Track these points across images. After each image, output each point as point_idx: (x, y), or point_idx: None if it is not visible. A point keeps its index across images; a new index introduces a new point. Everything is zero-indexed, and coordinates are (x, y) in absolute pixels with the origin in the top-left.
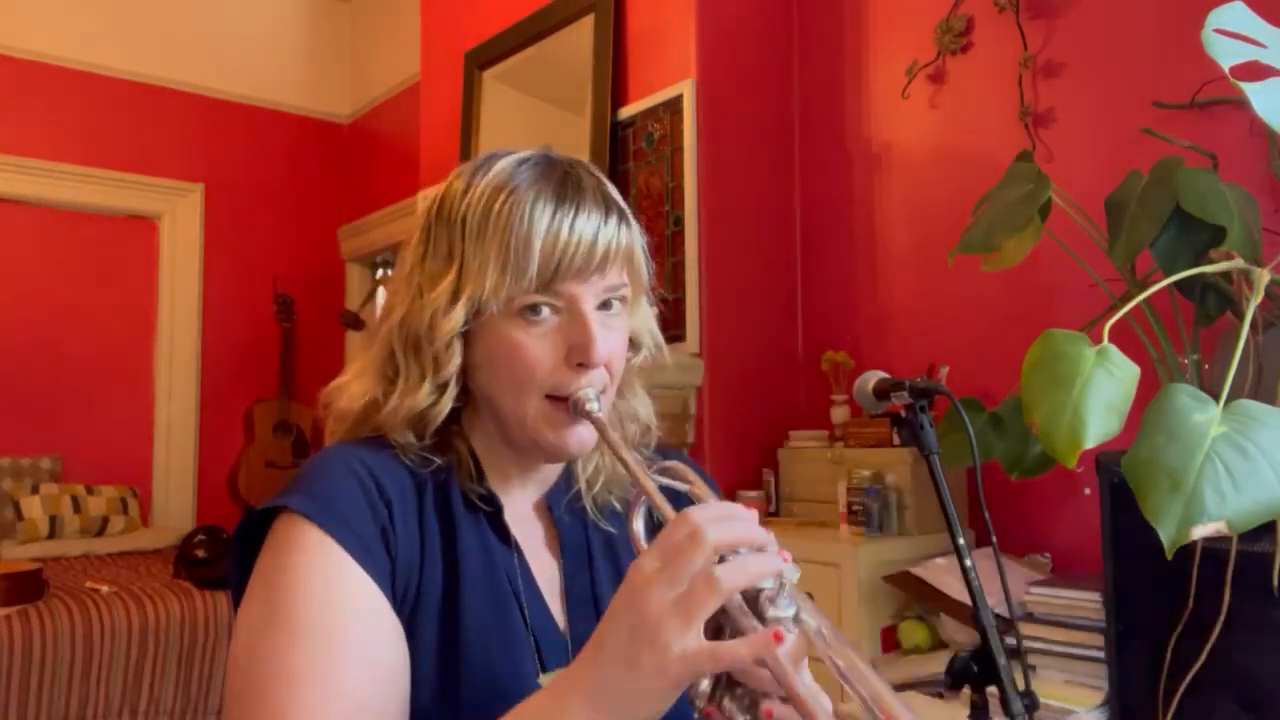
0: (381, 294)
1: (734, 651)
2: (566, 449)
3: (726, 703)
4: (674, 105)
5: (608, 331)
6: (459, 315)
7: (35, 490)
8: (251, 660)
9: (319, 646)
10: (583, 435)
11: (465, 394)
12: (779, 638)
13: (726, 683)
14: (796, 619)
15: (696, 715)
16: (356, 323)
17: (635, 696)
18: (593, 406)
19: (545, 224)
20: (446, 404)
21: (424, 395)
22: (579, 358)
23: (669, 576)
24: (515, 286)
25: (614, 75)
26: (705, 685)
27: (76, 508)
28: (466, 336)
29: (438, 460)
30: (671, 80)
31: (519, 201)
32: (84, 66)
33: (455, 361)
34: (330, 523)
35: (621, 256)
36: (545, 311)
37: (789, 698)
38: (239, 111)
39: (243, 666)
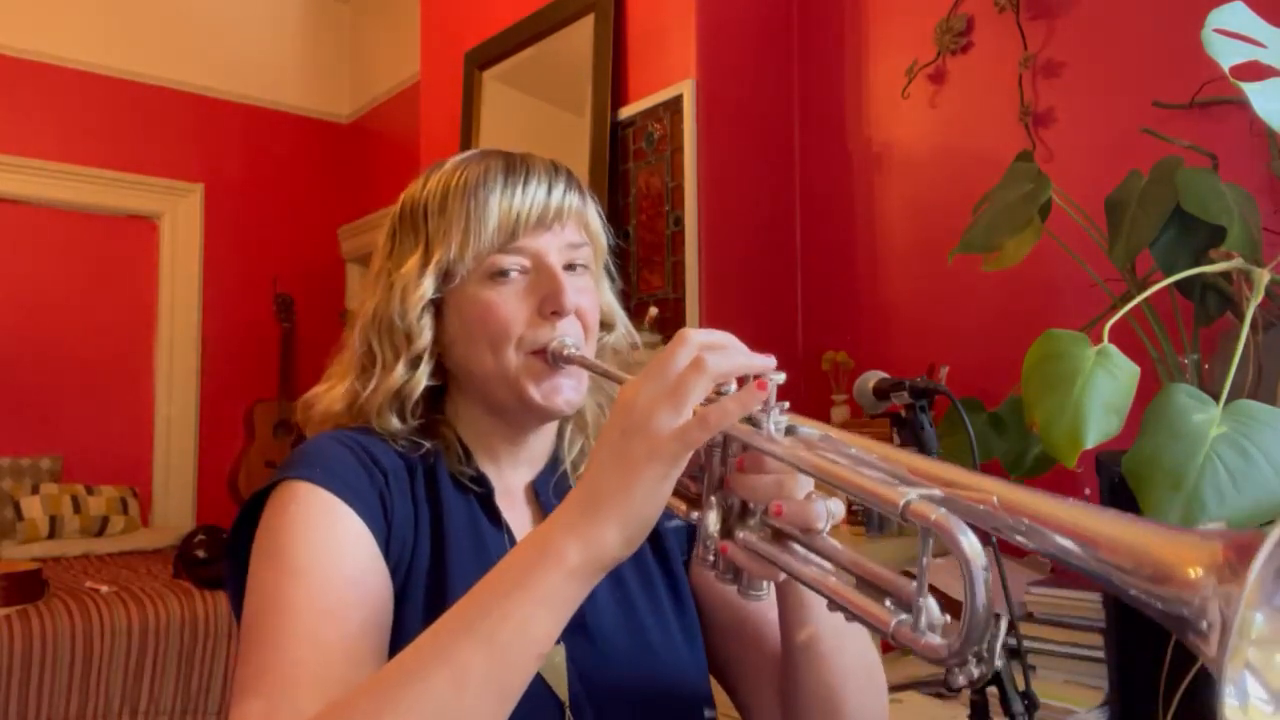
0: None
1: (723, 410)
2: (553, 404)
3: (740, 534)
4: (674, 105)
5: (576, 290)
6: (429, 284)
7: (35, 490)
8: (255, 595)
9: (316, 581)
10: (567, 389)
11: (444, 375)
12: (762, 386)
13: (737, 513)
14: (791, 429)
15: (711, 559)
16: None
17: (630, 489)
18: (571, 351)
19: (500, 188)
20: (422, 379)
21: (399, 373)
22: (551, 306)
23: (657, 374)
24: (480, 245)
25: (614, 75)
26: (714, 525)
27: (76, 508)
28: (438, 311)
29: (426, 445)
30: (671, 80)
31: (473, 176)
32: (84, 66)
33: (427, 335)
34: (328, 480)
35: (576, 215)
36: (514, 272)
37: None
38: (239, 111)
39: (249, 605)
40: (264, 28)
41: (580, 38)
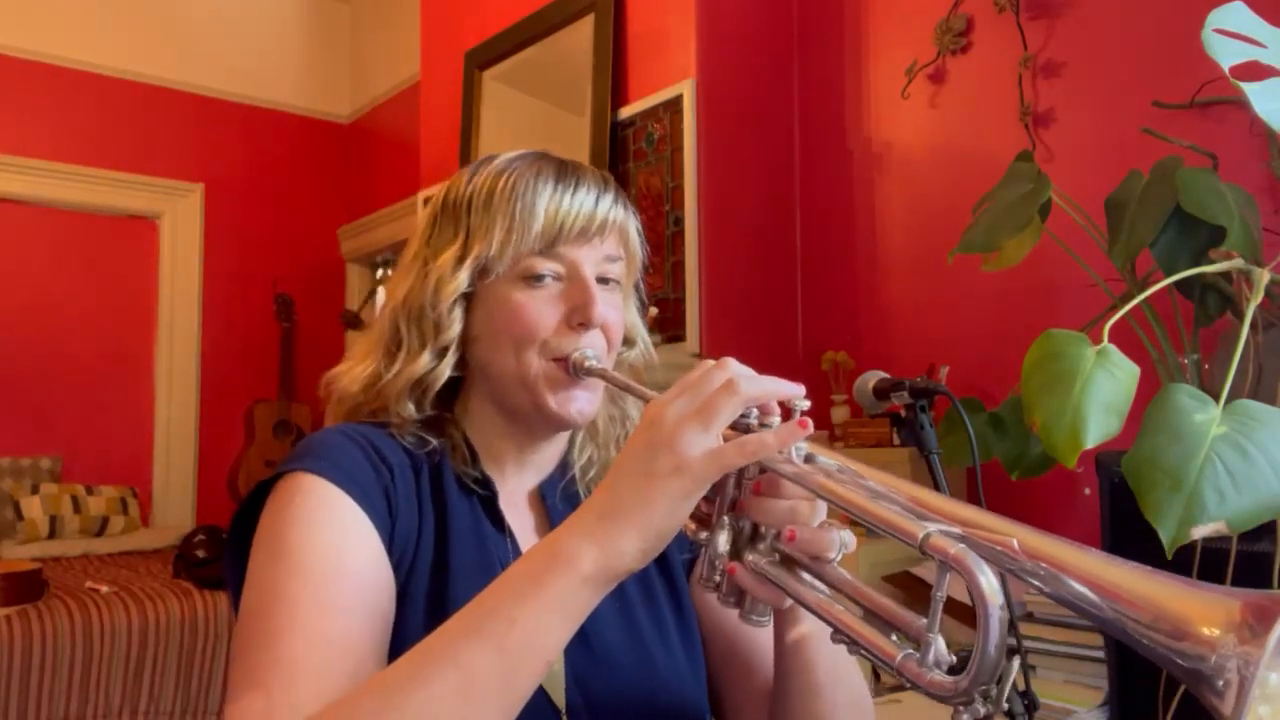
0: (381, 294)
1: (762, 441)
2: (566, 413)
3: (749, 557)
4: (674, 105)
5: (606, 304)
6: (464, 277)
7: (35, 490)
8: (255, 587)
9: (317, 575)
10: (581, 400)
11: (463, 368)
12: (804, 424)
13: (748, 536)
14: (810, 458)
15: (717, 579)
16: (356, 323)
17: (650, 501)
18: (592, 363)
19: (549, 193)
20: (445, 370)
21: (424, 362)
22: (579, 318)
23: (689, 394)
24: (520, 246)
25: (614, 75)
26: (724, 545)
27: (76, 508)
28: (468, 305)
29: (433, 442)
30: (671, 80)
31: (523, 176)
32: (84, 66)
33: (456, 327)
34: (333, 473)
35: (618, 228)
36: (547, 276)
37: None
38: (239, 111)
39: (248, 597)
40: (264, 28)
41: (580, 38)
